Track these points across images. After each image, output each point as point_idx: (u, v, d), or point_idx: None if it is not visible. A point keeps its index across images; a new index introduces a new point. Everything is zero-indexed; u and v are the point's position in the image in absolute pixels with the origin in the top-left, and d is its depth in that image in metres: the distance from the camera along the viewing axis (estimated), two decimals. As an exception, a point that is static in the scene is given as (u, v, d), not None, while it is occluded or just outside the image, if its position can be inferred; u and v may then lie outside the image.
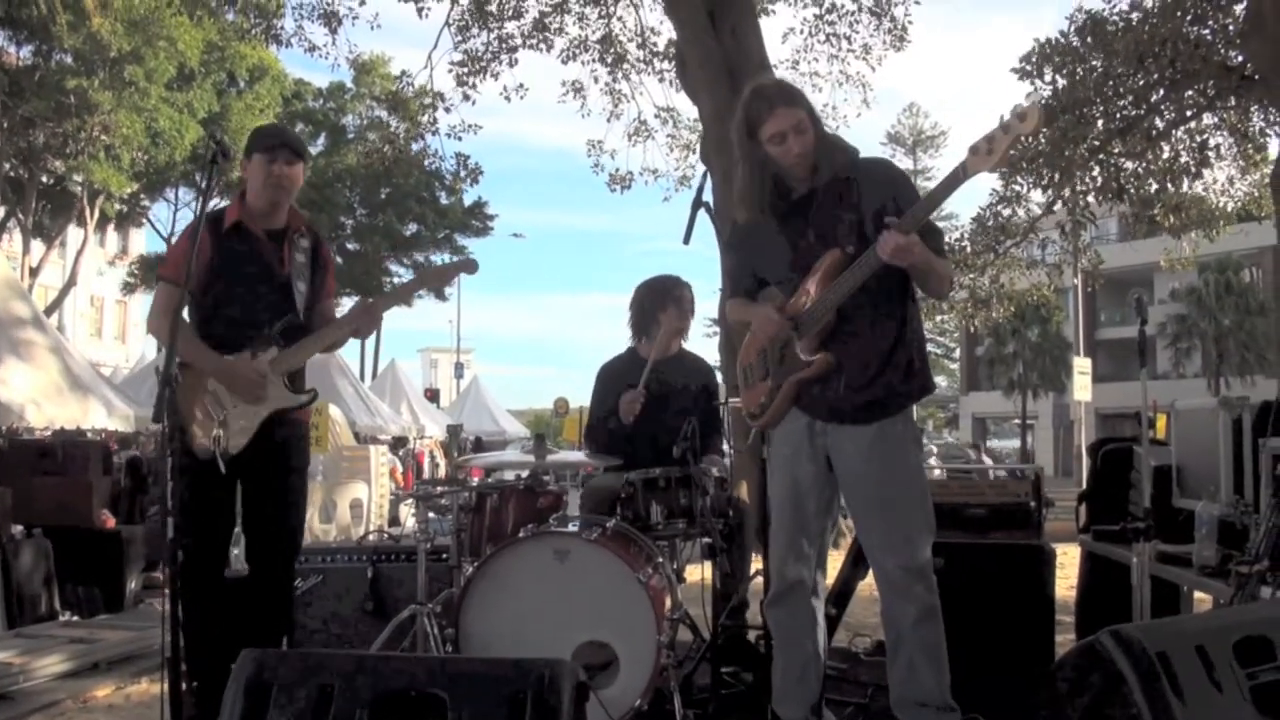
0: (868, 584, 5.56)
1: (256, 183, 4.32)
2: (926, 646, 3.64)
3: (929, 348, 4.12)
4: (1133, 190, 15.11)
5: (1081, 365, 26.99)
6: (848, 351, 3.68)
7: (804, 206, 3.76)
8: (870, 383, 3.68)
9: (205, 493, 4.11)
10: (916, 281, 3.71)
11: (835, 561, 4.92)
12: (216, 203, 5.10)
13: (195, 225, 4.02)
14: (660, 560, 4.68)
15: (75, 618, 7.88)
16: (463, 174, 17.18)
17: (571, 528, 4.57)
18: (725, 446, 5.61)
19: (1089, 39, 13.88)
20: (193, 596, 3.97)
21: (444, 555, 5.37)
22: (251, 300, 4.29)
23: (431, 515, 6.15)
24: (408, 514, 15.00)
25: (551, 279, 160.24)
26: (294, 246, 4.41)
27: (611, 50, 16.66)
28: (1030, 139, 12.40)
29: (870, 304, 3.65)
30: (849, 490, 3.80)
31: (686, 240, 4.39)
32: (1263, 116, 14.72)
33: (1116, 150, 14.39)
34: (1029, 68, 14.39)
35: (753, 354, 4.02)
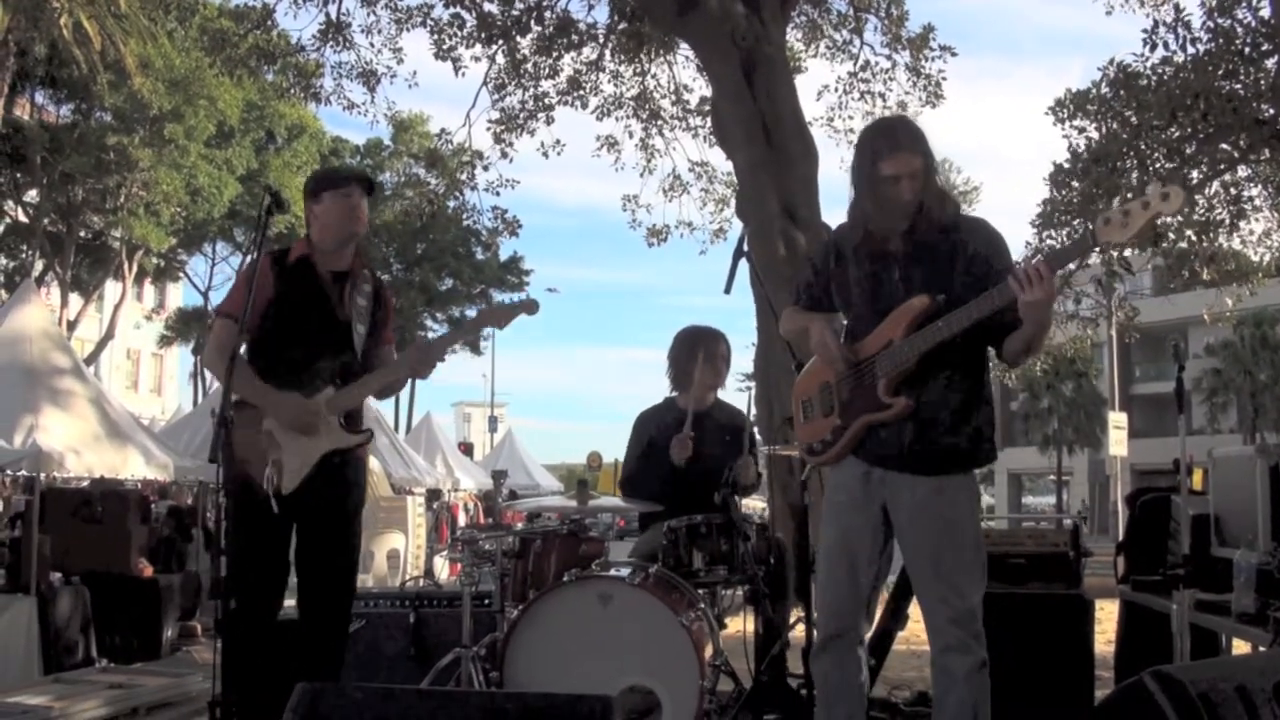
0: (904, 636, 5.58)
1: (331, 218, 4.33)
2: (973, 700, 3.60)
3: None
4: (1168, 243, 15.09)
5: (1117, 420, 26.59)
6: (923, 401, 3.62)
7: (898, 247, 3.69)
8: (940, 436, 3.63)
9: (258, 534, 4.10)
10: (1025, 334, 3.52)
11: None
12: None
13: (254, 265, 4.11)
14: (703, 606, 4.67)
15: (112, 664, 7.93)
16: (500, 227, 17.32)
17: (614, 572, 4.58)
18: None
19: (1121, 91, 13.94)
20: (243, 638, 3.95)
21: (487, 600, 5.40)
22: (309, 340, 4.29)
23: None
24: (442, 565, 15.04)
25: (585, 333, 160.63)
26: (356, 289, 4.43)
27: (646, 107, 16.83)
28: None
29: (952, 358, 3.60)
30: (904, 540, 3.74)
31: (728, 290, 4.44)
32: (1296, 170, 14.70)
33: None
34: (1062, 112, 14.46)
35: (814, 387, 3.92)
